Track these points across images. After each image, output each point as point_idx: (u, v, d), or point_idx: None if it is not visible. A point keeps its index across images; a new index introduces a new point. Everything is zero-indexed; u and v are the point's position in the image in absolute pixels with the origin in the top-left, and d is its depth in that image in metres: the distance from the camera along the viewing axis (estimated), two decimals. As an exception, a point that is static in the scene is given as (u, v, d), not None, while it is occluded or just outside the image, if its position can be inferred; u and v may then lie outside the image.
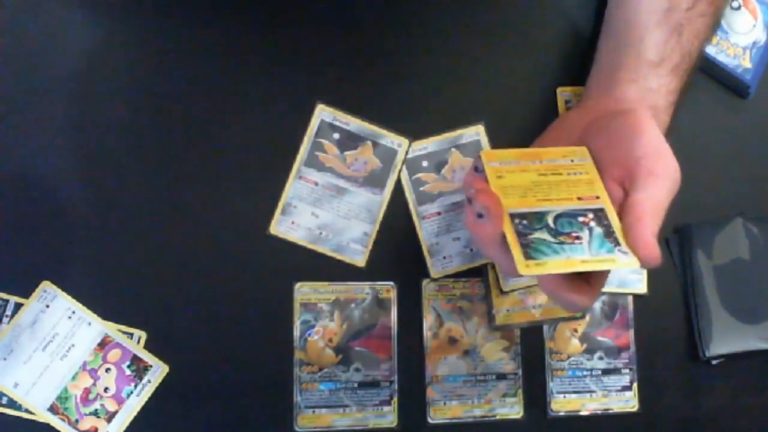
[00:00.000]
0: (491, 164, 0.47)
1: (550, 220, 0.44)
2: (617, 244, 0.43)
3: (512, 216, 0.43)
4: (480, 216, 0.43)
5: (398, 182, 0.59)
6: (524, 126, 0.54)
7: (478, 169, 0.47)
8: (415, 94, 0.60)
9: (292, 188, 0.58)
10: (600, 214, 0.44)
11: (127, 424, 0.55)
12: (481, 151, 0.54)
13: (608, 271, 0.46)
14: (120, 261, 0.56)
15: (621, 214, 0.44)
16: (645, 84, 0.51)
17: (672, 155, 0.45)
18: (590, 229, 0.43)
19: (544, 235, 0.43)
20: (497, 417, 0.58)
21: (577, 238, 0.43)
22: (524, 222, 0.43)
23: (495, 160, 0.47)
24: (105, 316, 0.55)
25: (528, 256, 0.41)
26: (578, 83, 0.60)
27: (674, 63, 0.51)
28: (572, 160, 0.47)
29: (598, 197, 0.45)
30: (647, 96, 0.51)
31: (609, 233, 0.43)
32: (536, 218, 0.44)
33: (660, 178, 0.44)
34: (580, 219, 0.44)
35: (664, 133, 0.48)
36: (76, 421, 0.54)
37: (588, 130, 0.49)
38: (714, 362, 0.60)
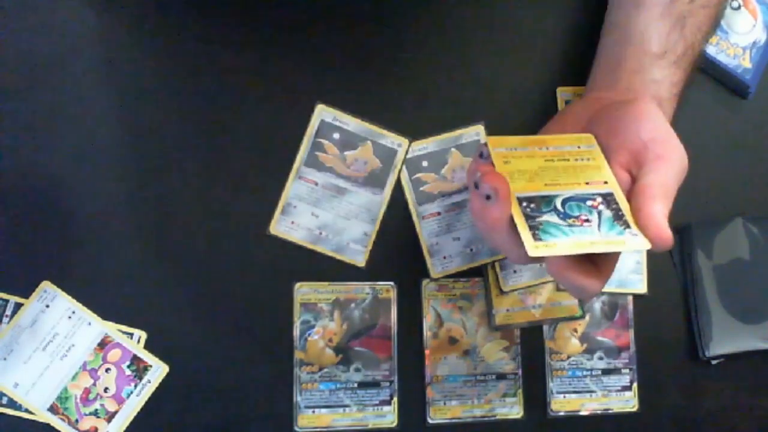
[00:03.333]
0: (497, 150, 0.46)
1: (558, 204, 0.43)
2: (627, 226, 0.42)
3: (519, 200, 0.43)
4: (488, 198, 0.43)
5: (398, 182, 0.59)
6: (524, 126, 0.54)
7: (483, 156, 0.46)
8: (415, 94, 0.60)
9: (292, 188, 0.58)
10: (609, 198, 0.44)
11: (127, 424, 0.55)
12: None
13: (617, 256, 0.45)
14: (120, 261, 0.56)
15: (630, 198, 0.44)
16: (649, 75, 0.51)
17: (678, 140, 0.46)
18: (599, 213, 0.43)
19: (552, 218, 0.42)
20: (497, 417, 0.58)
21: (587, 220, 0.42)
22: (532, 205, 0.43)
23: (501, 146, 0.47)
24: (105, 316, 0.55)
25: (537, 238, 0.41)
26: (578, 83, 0.60)
27: (677, 55, 0.51)
28: (579, 147, 0.47)
29: (606, 182, 0.45)
30: (651, 87, 0.51)
31: (618, 216, 0.43)
32: (544, 202, 0.43)
33: (668, 161, 0.44)
34: (589, 203, 0.44)
35: None
36: (76, 421, 0.54)
37: (593, 120, 0.49)
38: (714, 362, 0.60)
